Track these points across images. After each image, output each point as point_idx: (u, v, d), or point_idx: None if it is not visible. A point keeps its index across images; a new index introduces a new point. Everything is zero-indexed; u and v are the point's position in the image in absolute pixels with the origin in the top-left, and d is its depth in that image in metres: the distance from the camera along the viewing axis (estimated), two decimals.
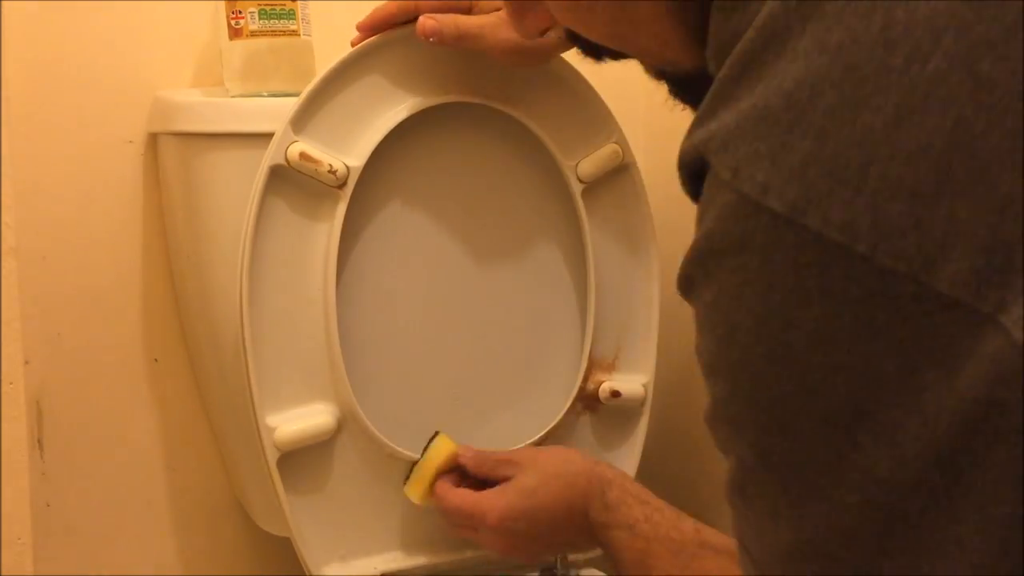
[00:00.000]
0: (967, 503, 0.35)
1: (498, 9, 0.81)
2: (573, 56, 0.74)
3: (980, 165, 0.32)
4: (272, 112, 0.85)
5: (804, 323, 0.35)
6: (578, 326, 0.96)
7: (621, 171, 0.94)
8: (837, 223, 0.34)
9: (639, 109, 1.11)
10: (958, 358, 0.33)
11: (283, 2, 0.90)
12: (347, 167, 0.83)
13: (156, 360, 1.00)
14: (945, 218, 0.33)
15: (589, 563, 0.98)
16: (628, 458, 0.98)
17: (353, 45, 0.84)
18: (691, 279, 0.40)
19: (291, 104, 0.82)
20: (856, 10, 0.34)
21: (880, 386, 0.35)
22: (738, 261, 0.37)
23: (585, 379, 0.95)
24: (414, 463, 0.87)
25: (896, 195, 0.33)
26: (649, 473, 0.96)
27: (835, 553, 0.39)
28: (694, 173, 0.39)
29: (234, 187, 0.86)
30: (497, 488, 0.83)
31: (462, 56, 0.86)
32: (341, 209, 0.84)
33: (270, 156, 0.81)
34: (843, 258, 0.34)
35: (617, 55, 0.54)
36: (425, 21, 0.81)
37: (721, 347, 0.39)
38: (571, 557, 0.97)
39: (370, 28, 0.84)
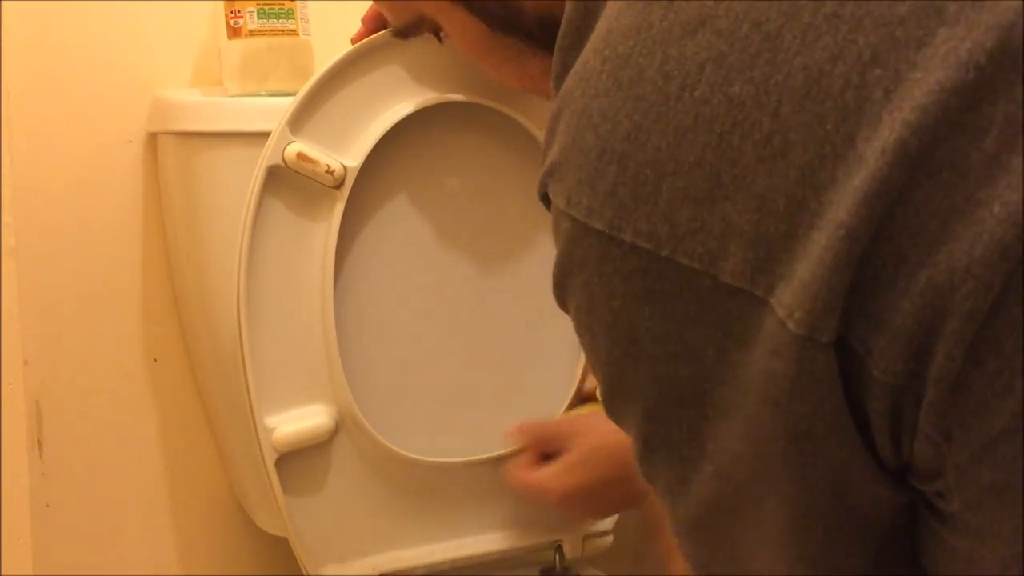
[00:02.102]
0: (767, 473, 0.41)
1: None
2: None
3: (740, 172, 0.38)
4: (271, 111, 0.85)
5: (642, 321, 0.41)
6: None
7: None
8: (644, 233, 0.40)
9: None
10: (750, 336, 0.39)
11: (282, 2, 0.90)
12: (344, 167, 0.83)
13: (156, 360, 1.00)
14: (721, 219, 0.39)
15: (589, 563, 0.98)
16: None
17: (354, 40, 0.84)
18: (559, 299, 0.46)
19: (289, 104, 0.82)
20: (641, 51, 0.41)
21: (706, 367, 0.41)
22: (583, 279, 0.43)
23: (582, 379, 0.95)
24: None
25: (683, 204, 0.39)
26: None
27: (708, 525, 0.46)
28: (547, 201, 0.46)
29: (233, 186, 0.86)
30: (552, 468, 0.88)
31: (461, 56, 0.85)
32: (339, 209, 0.84)
33: (267, 156, 0.81)
34: (654, 262, 0.40)
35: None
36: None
37: (591, 353, 0.45)
38: (570, 556, 0.97)
39: (373, 19, 0.83)
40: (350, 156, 0.84)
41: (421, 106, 0.85)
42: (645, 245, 0.40)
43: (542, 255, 0.95)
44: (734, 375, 0.40)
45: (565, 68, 0.45)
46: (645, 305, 0.41)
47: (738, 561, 0.46)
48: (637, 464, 0.47)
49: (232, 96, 0.90)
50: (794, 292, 0.37)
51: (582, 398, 0.96)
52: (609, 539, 0.99)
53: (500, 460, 0.92)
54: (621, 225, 0.40)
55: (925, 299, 0.36)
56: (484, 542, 0.95)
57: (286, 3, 0.90)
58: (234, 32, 0.90)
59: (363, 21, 0.84)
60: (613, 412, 0.47)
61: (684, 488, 0.45)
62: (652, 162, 0.40)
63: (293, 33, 0.91)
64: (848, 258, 0.36)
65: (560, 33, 0.47)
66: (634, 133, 0.40)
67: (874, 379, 0.37)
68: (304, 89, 0.82)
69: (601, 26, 0.44)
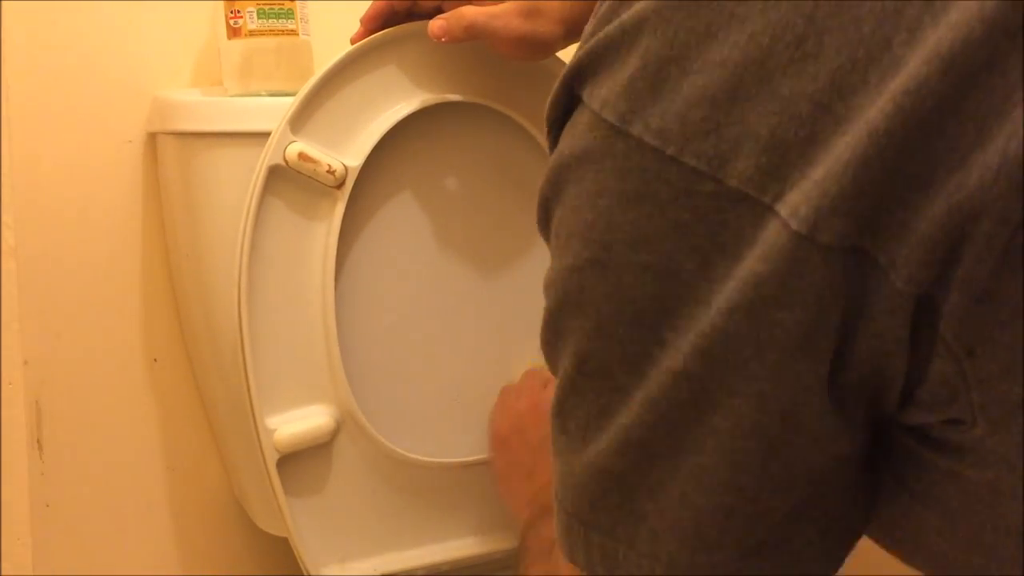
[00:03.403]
0: (723, 393, 0.39)
1: None
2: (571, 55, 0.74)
3: (766, 74, 0.37)
4: (271, 111, 0.85)
5: (623, 225, 0.40)
6: None
7: None
8: (654, 129, 0.39)
9: None
10: (741, 248, 0.38)
11: (281, 2, 0.90)
12: (345, 167, 0.83)
13: (156, 360, 1.00)
14: (738, 121, 0.37)
15: None
16: None
17: (353, 41, 0.84)
18: (547, 203, 0.45)
19: (289, 104, 0.82)
20: None
21: (680, 283, 0.39)
22: (579, 173, 0.42)
23: None
24: None
25: (700, 103, 0.38)
26: None
27: (614, 471, 0.43)
28: (559, 112, 0.44)
29: (233, 186, 0.86)
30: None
31: (461, 56, 0.86)
32: (339, 209, 0.84)
33: (268, 156, 0.81)
34: (657, 162, 0.39)
35: None
36: (433, 25, 0.81)
37: (557, 258, 0.44)
38: None
39: (372, 20, 0.83)
40: (351, 156, 0.84)
41: (422, 106, 0.85)
42: (652, 142, 0.39)
43: (543, 255, 0.94)
44: (710, 291, 0.39)
45: None
46: (633, 208, 0.40)
47: (635, 513, 0.44)
48: (557, 397, 0.46)
49: (232, 96, 0.90)
50: (803, 192, 0.36)
51: None
52: None
53: None
54: (632, 119, 0.39)
55: (953, 201, 0.34)
56: (485, 542, 0.95)
57: (286, 3, 0.90)
58: (234, 32, 0.89)
59: (362, 21, 0.84)
60: (555, 330, 0.46)
61: (603, 423, 0.44)
62: (677, 59, 0.39)
63: (293, 33, 0.90)
64: (868, 159, 0.35)
65: None
66: (662, 29, 0.39)
67: (897, 291, 0.36)
68: (305, 89, 0.82)
69: None
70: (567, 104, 0.44)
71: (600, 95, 0.41)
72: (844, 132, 0.36)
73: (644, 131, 0.39)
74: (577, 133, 0.42)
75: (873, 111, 0.35)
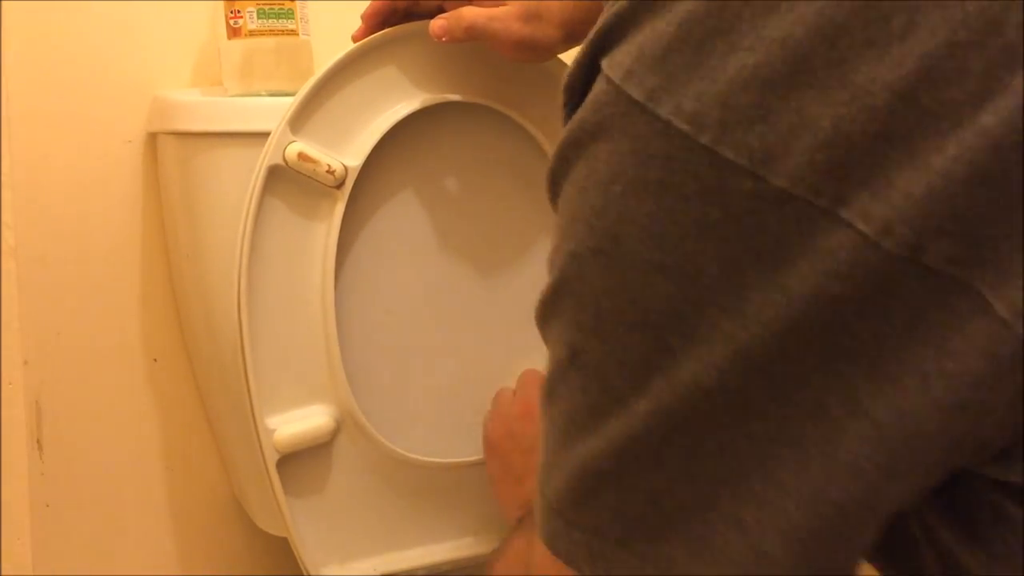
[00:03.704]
0: (771, 403, 0.34)
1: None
2: (572, 57, 0.74)
3: (838, 56, 0.32)
4: (271, 111, 0.85)
5: (638, 217, 0.35)
6: None
7: None
8: (687, 113, 0.33)
9: None
10: (786, 255, 0.33)
11: (281, 2, 0.90)
12: (345, 167, 0.83)
13: (155, 360, 1.00)
14: (795, 110, 0.32)
15: None
16: None
17: (354, 38, 0.84)
18: (555, 178, 0.40)
19: (289, 104, 0.82)
20: None
21: (699, 287, 0.34)
22: (591, 151, 0.36)
23: None
24: None
25: (749, 85, 0.32)
26: None
27: (610, 472, 0.38)
28: (579, 83, 0.38)
29: (233, 186, 0.86)
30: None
31: (461, 56, 0.86)
32: (339, 209, 0.84)
33: (268, 156, 0.81)
34: (686, 150, 0.33)
35: None
36: (434, 25, 0.81)
37: (560, 238, 0.39)
38: None
39: (372, 16, 0.83)
40: (351, 156, 0.84)
41: (422, 106, 0.85)
42: (683, 127, 0.33)
43: (542, 255, 0.94)
44: (739, 299, 0.34)
45: None
46: (652, 199, 0.34)
47: (629, 515, 0.39)
48: (548, 379, 0.42)
49: (232, 96, 0.90)
50: (895, 206, 0.31)
51: None
52: None
53: None
54: (661, 97, 0.34)
55: None
56: (485, 542, 0.95)
57: (286, 3, 0.90)
58: (234, 32, 0.89)
59: (363, 19, 0.84)
60: (551, 308, 0.41)
61: (593, 424, 0.39)
62: (726, 31, 0.33)
63: (293, 33, 0.91)
64: (986, 174, 0.30)
65: None
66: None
67: (1015, 338, 0.32)
68: (304, 89, 0.82)
69: None
70: (589, 73, 0.38)
71: (624, 64, 0.35)
72: (937, 133, 0.31)
73: (674, 113, 0.34)
74: (594, 102, 0.37)
75: (985, 113, 0.30)
